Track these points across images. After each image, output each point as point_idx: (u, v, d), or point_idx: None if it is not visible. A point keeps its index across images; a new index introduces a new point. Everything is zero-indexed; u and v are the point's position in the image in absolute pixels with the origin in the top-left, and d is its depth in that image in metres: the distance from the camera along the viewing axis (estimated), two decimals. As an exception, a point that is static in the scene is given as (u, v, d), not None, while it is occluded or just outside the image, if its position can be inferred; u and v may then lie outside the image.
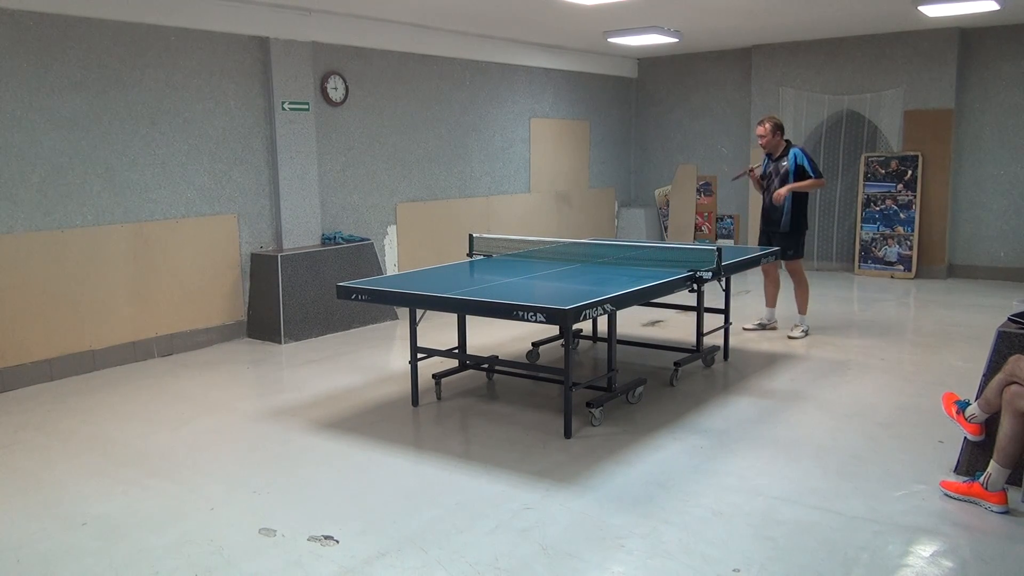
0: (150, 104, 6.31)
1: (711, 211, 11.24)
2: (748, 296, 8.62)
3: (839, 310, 7.90)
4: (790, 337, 6.60)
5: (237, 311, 7.05)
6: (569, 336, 4.47)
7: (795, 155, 6.52)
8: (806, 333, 6.66)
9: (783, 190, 6.47)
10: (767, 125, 6.54)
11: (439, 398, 5.24)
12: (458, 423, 4.88)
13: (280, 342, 6.84)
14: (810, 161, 6.53)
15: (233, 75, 6.82)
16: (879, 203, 9.66)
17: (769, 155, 6.70)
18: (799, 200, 6.60)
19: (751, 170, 6.85)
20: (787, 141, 6.64)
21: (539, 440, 4.44)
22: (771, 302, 6.99)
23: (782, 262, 6.65)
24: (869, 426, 4.58)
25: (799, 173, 6.50)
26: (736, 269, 5.76)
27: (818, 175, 6.53)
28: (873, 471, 3.94)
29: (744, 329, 6.85)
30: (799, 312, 6.73)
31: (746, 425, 4.65)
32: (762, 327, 6.94)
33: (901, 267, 9.56)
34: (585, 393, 4.79)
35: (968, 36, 9.17)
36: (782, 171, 6.56)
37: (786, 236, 6.62)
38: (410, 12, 7.49)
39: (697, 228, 11.33)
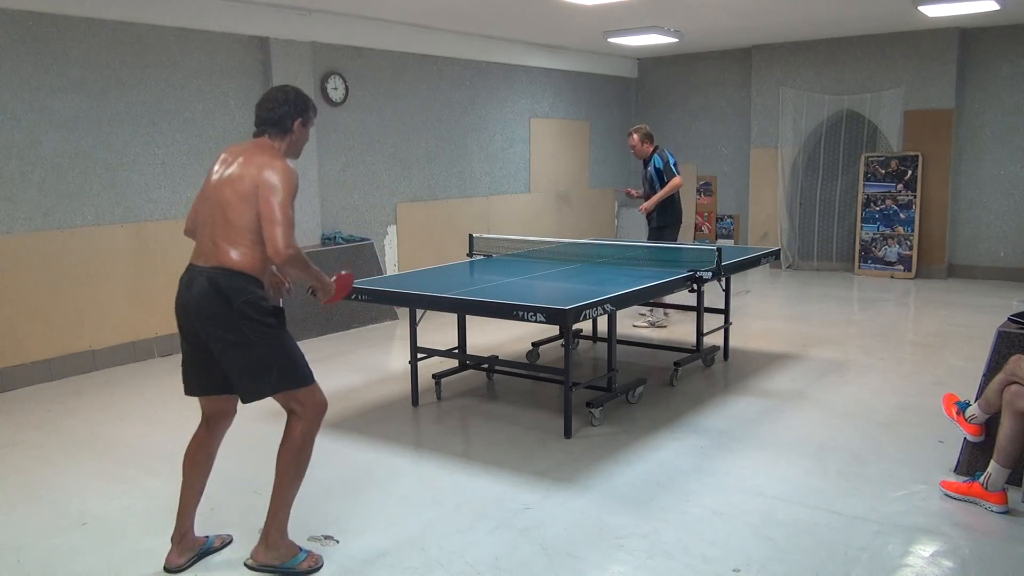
0: (150, 104, 6.31)
1: (711, 211, 11.25)
2: (748, 296, 8.62)
3: (839, 310, 7.91)
4: (635, 326, 6.93)
5: (237, 311, 7.03)
6: (569, 336, 4.47)
7: (655, 160, 6.88)
8: (652, 324, 6.94)
9: (645, 205, 6.91)
10: (635, 136, 6.92)
11: (439, 398, 5.24)
12: (458, 423, 4.88)
13: (280, 342, 6.83)
14: (665, 163, 6.80)
15: (233, 75, 6.82)
16: (879, 203, 9.66)
17: (644, 161, 7.05)
18: (665, 200, 6.89)
19: (628, 192, 7.40)
20: (655, 147, 6.97)
21: (539, 440, 4.44)
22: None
23: None
24: (869, 426, 4.58)
25: (660, 176, 6.85)
26: (736, 269, 5.76)
27: (673, 175, 6.77)
28: (873, 471, 3.94)
29: (634, 326, 7.07)
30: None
31: (746, 425, 4.65)
32: (651, 324, 7.13)
33: (901, 267, 9.55)
34: (585, 393, 4.79)
35: (968, 36, 9.17)
36: (648, 176, 6.97)
37: (657, 231, 7.00)
38: (410, 12, 7.49)
39: (697, 228, 11.33)
